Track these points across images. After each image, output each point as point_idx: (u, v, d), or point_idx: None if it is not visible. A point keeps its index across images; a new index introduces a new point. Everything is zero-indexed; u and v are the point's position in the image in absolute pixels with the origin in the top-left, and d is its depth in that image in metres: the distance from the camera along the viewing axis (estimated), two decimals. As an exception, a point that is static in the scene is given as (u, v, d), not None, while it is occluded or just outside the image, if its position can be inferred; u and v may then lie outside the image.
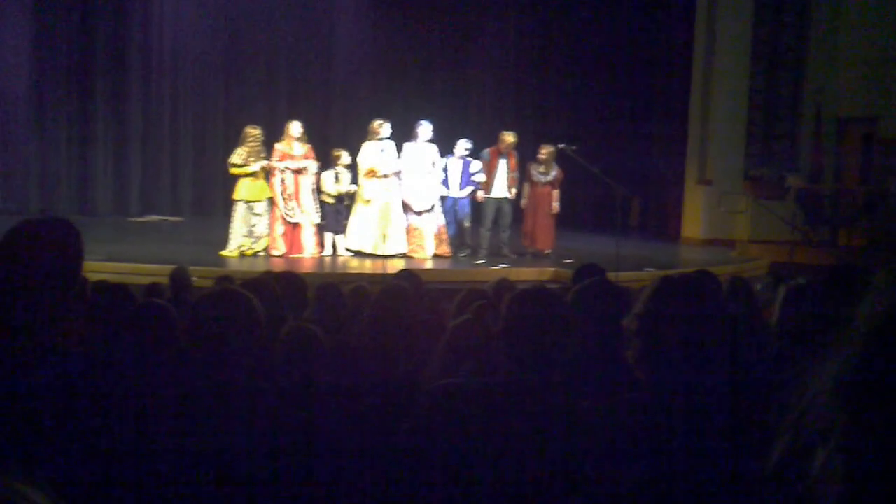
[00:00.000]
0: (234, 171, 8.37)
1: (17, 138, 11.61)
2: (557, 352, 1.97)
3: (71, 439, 1.64)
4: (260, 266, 7.47)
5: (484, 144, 9.34)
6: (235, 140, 8.76)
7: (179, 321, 3.02)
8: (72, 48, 11.78)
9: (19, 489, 0.60)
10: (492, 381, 2.08)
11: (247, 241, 8.37)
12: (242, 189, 8.34)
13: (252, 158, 8.31)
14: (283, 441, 1.96)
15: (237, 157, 8.34)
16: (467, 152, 8.96)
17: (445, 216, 8.94)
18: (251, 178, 8.32)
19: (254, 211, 8.33)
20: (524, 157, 9.37)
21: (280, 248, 8.42)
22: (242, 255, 8.31)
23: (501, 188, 8.98)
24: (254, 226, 8.36)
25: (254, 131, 8.41)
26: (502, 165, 8.97)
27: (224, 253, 8.30)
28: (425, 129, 8.76)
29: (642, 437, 1.58)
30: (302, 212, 8.46)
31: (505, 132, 9.13)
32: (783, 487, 0.65)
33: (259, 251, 8.41)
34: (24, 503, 0.60)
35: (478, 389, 2.03)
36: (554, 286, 6.64)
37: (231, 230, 8.36)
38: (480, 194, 9.00)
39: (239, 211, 8.34)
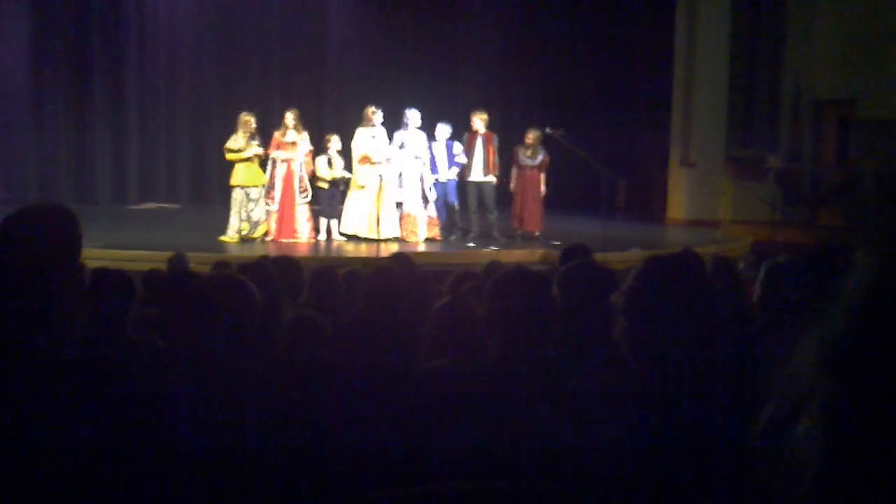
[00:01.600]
0: (230, 156, 8.48)
1: (16, 128, 11.60)
2: (541, 331, 1.99)
3: (72, 419, 1.67)
4: (257, 251, 7.54)
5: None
6: (231, 127, 8.80)
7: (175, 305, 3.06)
8: (69, 38, 11.77)
9: None
10: (477, 363, 2.10)
11: (245, 227, 8.44)
12: (239, 175, 8.43)
13: (252, 143, 8.39)
14: (280, 422, 2.00)
15: (233, 142, 8.43)
16: (449, 135, 9.02)
17: (436, 202, 9.02)
18: (247, 164, 8.42)
19: (250, 196, 8.42)
20: (512, 142, 9.44)
21: (272, 233, 8.57)
22: (242, 240, 8.40)
23: (478, 171, 9.05)
24: (251, 211, 8.43)
25: (248, 117, 8.47)
26: (479, 149, 9.03)
27: (224, 238, 8.42)
28: (414, 116, 8.82)
29: (628, 414, 1.59)
30: (295, 197, 8.58)
31: (473, 113, 9.15)
32: (768, 452, 0.69)
33: (258, 236, 8.49)
34: None
35: (463, 371, 2.06)
36: (542, 267, 6.74)
37: (230, 216, 8.44)
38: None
39: (236, 197, 8.42)
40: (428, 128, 9.02)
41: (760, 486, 0.70)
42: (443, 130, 8.99)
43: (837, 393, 0.65)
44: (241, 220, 8.42)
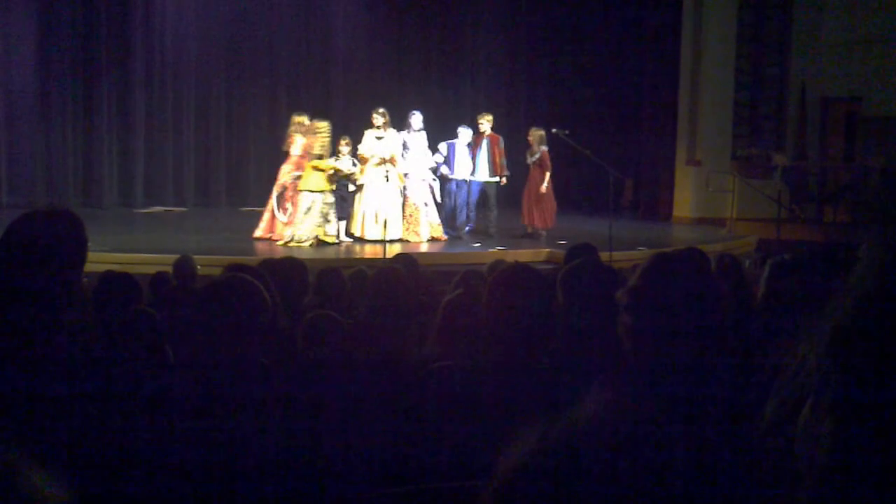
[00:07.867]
0: (316, 163, 8.43)
1: (23, 133, 11.63)
2: (541, 328, 1.99)
3: (77, 423, 1.68)
4: (264, 253, 7.54)
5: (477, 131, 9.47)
6: (236, 131, 8.75)
7: (184, 309, 3.08)
8: (76, 43, 11.80)
9: (16, 466, 0.61)
10: (480, 362, 2.09)
11: (320, 230, 8.47)
12: (310, 181, 8.44)
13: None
14: (284, 422, 2.00)
15: (319, 150, 8.44)
16: (470, 139, 9.14)
17: (451, 200, 9.10)
18: (318, 172, 8.45)
19: (326, 200, 8.49)
20: (518, 143, 9.49)
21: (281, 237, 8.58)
22: (322, 242, 8.41)
23: (484, 172, 9.13)
24: (326, 214, 8.49)
25: (321, 124, 8.55)
26: (484, 150, 9.12)
27: (295, 244, 8.36)
28: (417, 118, 8.93)
29: (630, 416, 1.61)
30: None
31: (478, 115, 9.29)
32: (776, 441, 0.68)
33: (330, 238, 8.53)
34: (19, 478, 0.61)
35: (467, 371, 2.05)
36: (548, 267, 6.73)
37: (303, 221, 8.41)
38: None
39: (315, 202, 8.44)
40: (434, 129, 9.08)
41: (764, 483, 0.70)
42: (464, 134, 9.11)
43: (846, 383, 0.64)
44: (317, 226, 8.42)
